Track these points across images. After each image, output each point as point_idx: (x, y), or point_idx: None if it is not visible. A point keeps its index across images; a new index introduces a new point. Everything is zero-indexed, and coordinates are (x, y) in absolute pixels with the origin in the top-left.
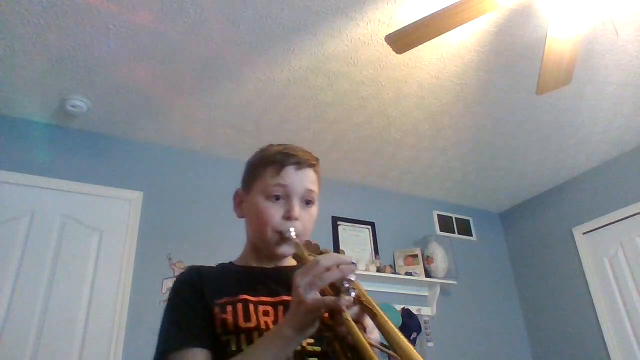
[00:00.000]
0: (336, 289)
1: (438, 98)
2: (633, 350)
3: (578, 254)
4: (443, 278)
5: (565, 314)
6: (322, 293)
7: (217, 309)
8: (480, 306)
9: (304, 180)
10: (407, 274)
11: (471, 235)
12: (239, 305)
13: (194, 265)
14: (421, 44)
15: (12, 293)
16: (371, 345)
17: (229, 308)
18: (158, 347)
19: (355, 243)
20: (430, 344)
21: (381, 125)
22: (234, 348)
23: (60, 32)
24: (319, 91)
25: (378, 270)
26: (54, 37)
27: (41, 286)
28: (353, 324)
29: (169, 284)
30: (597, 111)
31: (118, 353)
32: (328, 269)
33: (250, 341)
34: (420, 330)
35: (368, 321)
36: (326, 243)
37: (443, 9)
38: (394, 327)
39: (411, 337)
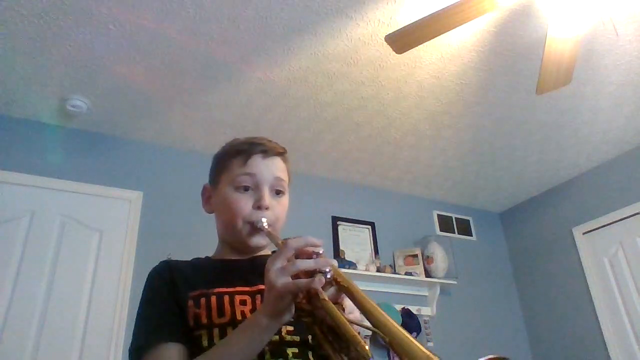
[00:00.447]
0: (311, 271)
1: (438, 98)
2: (633, 350)
3: (578, 254)
4: (443, 278)
5: (565, 313)
6: (297, 277)
7: (190, 302)
8: (480, 306)
9: (272, 168)
10: (407, 274)
11: (471, 235)
12: (213, 299)
13: (166, 260)
14: (421, 44)
15: (12, 293)
16: (352, 323)
17: (203, 301)
18: (132, 342)
19: (355, 243)
20: (430, 344)
21: (381, 125)
22: (205, 344)
23: (60, 32)
24: (318, 91)
25: (378, 270)
26: (54, 37)
27: (41, 286)
28: (331, 304)
29: None
30: (597, 111)
31: (118, 353)
32: (299, 251)
33: (223, 336)
34: (420, 330)
35: (347, 301)
36: (326, 243)
37: (443, 9)
38: (374, 304)
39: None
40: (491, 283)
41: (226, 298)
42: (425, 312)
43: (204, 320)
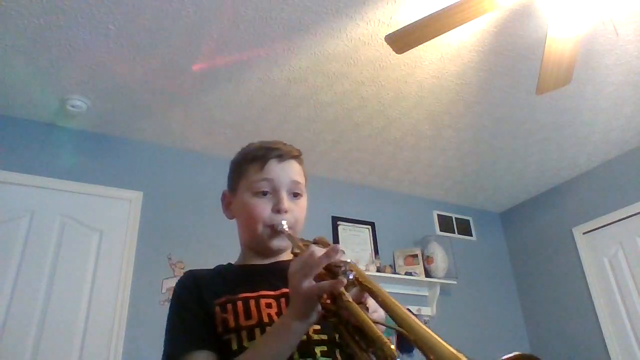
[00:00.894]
0: (333, 274)
1: (438, 98)
2: (633, 350)
3: (578, 254)
4: (443, 278)
5: (565, 313)
6: (321, 280)
7: (217, 309)
8: (480, 306)
9: (288, 172)
10: (407, 274)
11: (471, 235)
12: (239, 304)
13: (190, 270)
14: (421, 44)
15: (12, 293)
16: (376, 323)
17: (229, 307)
18: (164, 354)
19: (355, 243)
20: None
21: (381, 125)
22: (235, 347)
23: (60, 32)
24: (319, 91)
25: (378, 270)
26: (54, 37)
27: (41, 286)
28: (355, 305)
29: (169, 283)
30: (597, 111)
31: (118, 353)
32: (323, 260)
33: (252, 338)
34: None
35: (370, 301)
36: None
37: (443, 9)
38: (397, 303)
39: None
40: (491, 283)
41: (252, 302)
42: (425, 312)
43: (232, 324)
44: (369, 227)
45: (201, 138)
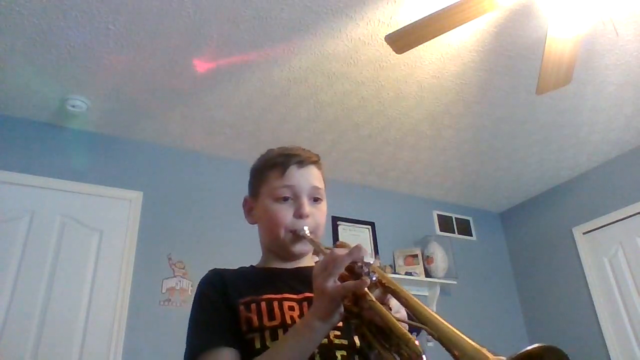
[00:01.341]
0: (356, 275)
1: (438, 98)
2: (633, 350)
3: (578, 254)
4: (443, 278)
5: (565, 314)
6: (343, 281)
7: (241, 308)
8: (480, 306)
9: (308, 178)
10: (407, 274)
11: (471, 235)
12: (263, 304)
13: (216, 268)
14: (421, 44)
15: (12, 293)
16: (399, 321)
17: (254, 307)
18: (187, 349)
19: (355, 243)
20: (430, 344)
21: (381, 125)
22: (258, 346)
23: (60, 32)
24: (319, 91)
25: None
26: (54, 37)
27: (41, 286)
28: (379, 304)
29: (169, 284)
30: (597, 111)
31: (118, 353)
32: (343, 255)
33: (274, 338)
34: (421, 330)
35: (393, 302)
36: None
37: (443, 9)
38: (420, 302)
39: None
40: (491, 283)
41: (275, 303)
42: None
43: (256, 323)
44: (369, 227)
45: (201, 138)
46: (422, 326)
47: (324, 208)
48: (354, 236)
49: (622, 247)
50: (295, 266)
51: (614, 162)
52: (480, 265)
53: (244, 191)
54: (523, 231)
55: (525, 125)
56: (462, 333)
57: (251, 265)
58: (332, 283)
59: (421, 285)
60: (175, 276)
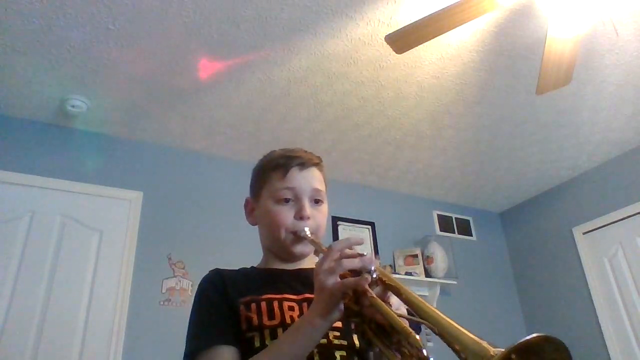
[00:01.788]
0: (357, 272)
1: (438, 98)
2: (633, 350)
3: (578, 254)
4: (443, 278)
5: (565, 314)
6: (344, 278)
7: (242, 307)
8: (480, 306)
9: (309, 179)
10: (407, 274)
11: (471, 235)
12: (263, 304)
13: (217, 268)
14: (421, 44)
15: (12, 293)
16: (400, 317)
17: (254, 306)
18: (187, 347)
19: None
20: (430, 344)
21: (381, 125)
22: (258, 345)
23: (60, 32)
24: (318, 91)
25: None
26: (54, 37)
27: (41, 286)
28: (380, 301)
29: (169, 284)
30: (597, 111)
31: (118, 353)
32: (344, 252)
33: (274, 337)
34: (421, 330)
35: (393, 299)
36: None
37: (443, 9)
38: (420, 299)
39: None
40: (491, 283)
41: (275, 303)
42: None
43: (255, 322)
44: (369, 227)
45: (201, 138)
46: (423, 321)
47: (325, 210)
48: (354, 236)
49: (622, 247)
50: (296, 267)
51: (614, 162)
52: (480, 265)
53: (244, 191)
54: (523, 231)
55: (525, 125)
56: (463, 327)
57: (252, 266)
58: (333, 280)
59: (421, 285)
60: (175, 276)
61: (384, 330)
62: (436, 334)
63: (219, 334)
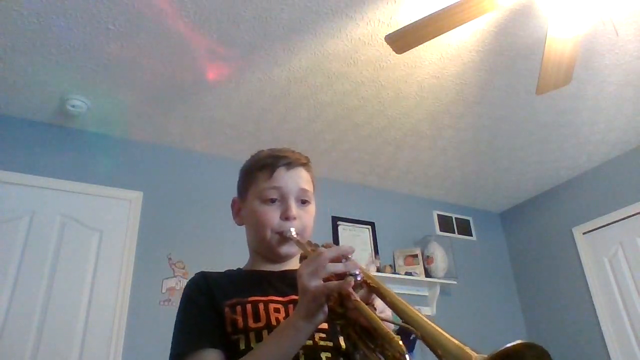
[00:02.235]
0: (341, 275)
1: (438, 98)
2: (633, 350)
3: (578, 254)
4: (443, 278)
5: (565, 314)
6: (329, 281)
7: (227, 310)
8: (480, 306)
9: (296, 179)
10: (407, 274)
11: (471, 235)
12: (248, 306)
13: (202, 271)
14: (421, 44)
15: (12, 293)
16: (384, 321)
17: (239, 309)
18: (172, 350)
19: (355, 243)
20: None
21: (381, 125)
22: (243, 347)
23: (60, 32)
24: (318, 91)
25: (378, 270)
26: (54, 37)
27: (41, 286)
28: (363, 304)
29: (169, 284)
30: (597, 111)
31: (118, 353)
32: (332, 260)
33: (259, 340)
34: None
35: (378, 302)
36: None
37: (443, 9)
38: (405, 303)
39: (411, 337)
40: (491, 283)
41: (261, 305)
42: (425, 312)
43: (241, 325)
44: (369, 227)
45: (201, 138)
46: (406, 325)
47: (312, 210)
48: (354, 236)
49: (622, 247)
50: (282, 269)
51: (614, 162)
52: (480, 266)
53: None
54: (523, 231)
55: (525, 125)
56: (446, 332)
57: (238, 268)
58: (316, 282)
59: (421, 285)
60: (175, 276)
61: (368, 334)
62: (419, 338)
63: (204, 337)
